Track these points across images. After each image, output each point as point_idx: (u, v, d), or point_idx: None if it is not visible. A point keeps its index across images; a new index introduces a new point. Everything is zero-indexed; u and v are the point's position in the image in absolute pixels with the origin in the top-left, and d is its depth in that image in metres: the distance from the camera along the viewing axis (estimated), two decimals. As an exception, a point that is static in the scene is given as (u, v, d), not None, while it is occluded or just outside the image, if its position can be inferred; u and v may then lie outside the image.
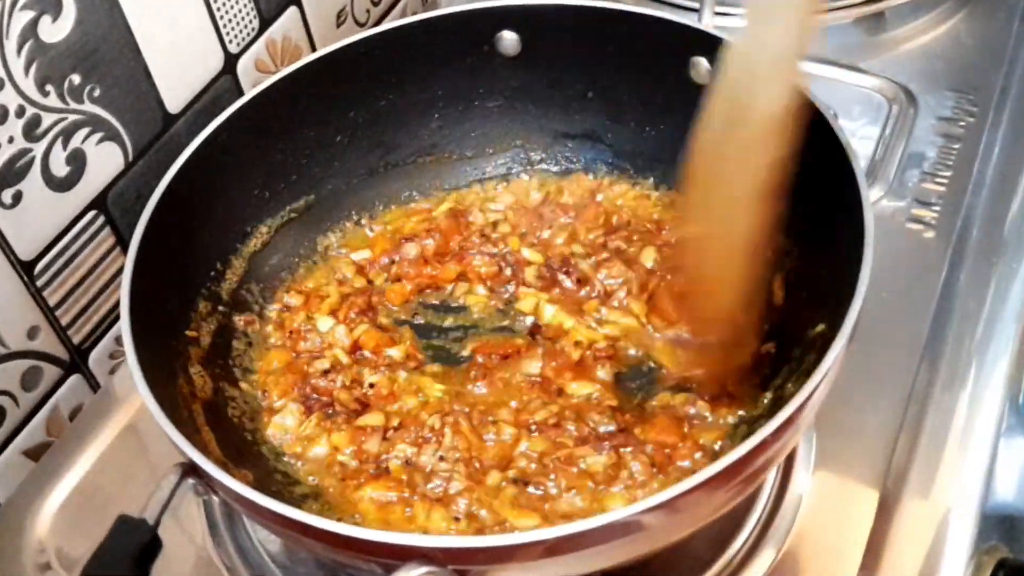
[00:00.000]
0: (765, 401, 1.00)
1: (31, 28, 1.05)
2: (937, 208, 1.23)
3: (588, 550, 0.77)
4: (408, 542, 0.77)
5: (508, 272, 1.17)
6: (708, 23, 1.13)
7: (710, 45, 1.05)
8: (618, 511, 0.75)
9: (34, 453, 1.19)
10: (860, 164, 0.93)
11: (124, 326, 0.92)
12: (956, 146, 1.30)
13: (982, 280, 1.15)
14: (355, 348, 1.12)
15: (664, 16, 1.11)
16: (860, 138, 1.30)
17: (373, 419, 1.04)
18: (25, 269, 1.12)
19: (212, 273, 1.14)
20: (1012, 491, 1.07)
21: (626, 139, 1.21)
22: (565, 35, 1.17)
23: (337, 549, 0.81)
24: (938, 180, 1.25)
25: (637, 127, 1.20)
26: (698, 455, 0.98)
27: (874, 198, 1.24)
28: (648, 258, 1.13)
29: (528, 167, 1.26)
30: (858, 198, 0.91)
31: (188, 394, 1.01)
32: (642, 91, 1.16)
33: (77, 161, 1.15)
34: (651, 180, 1.21)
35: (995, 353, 1.10)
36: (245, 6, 1.33)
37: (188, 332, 1.06)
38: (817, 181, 0.95)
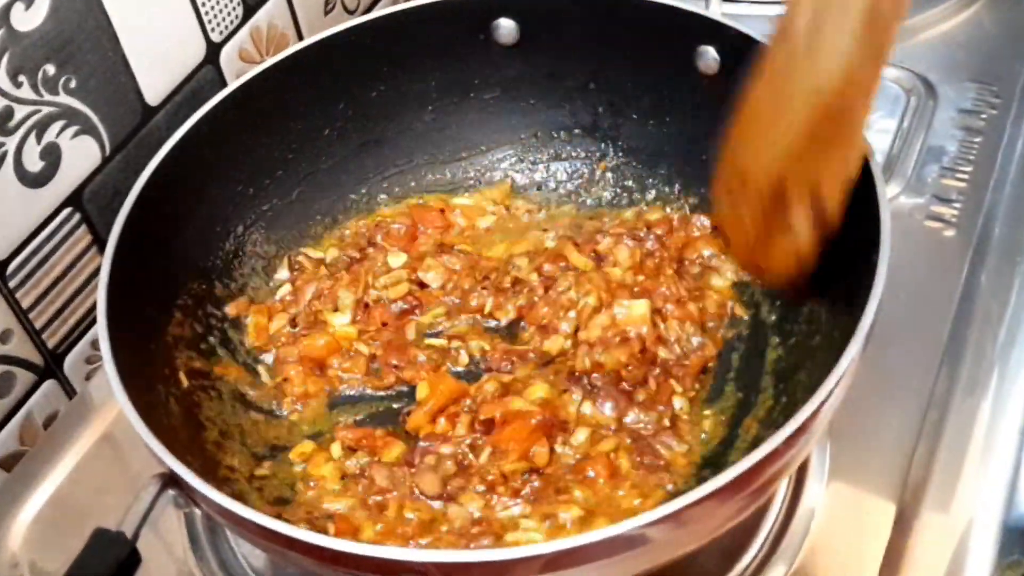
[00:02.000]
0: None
1: (3, 16, 1.06)
2: (957, 205, 1.23)
3: (589, 565, 0.77)
4: (400, 556, 0.77)
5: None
6: (716, 11, 1.14)
7: (718, 33, 1.06)
8: (620, 524, 0.75)
9: (6, 463, 1.19)
10: (876, 159, 0.93)
11: (101, 329, 0.92)
12: (977, 139, 1.30)
13: (1005, 281, 1.16)
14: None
15: (670, 3, 1.11)
16: (876, 131, 1.30)
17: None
18: (-4, 269, 1.14)
19: (194, 274, 1.14)
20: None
21: (630, 133, 1.22)
22: (565, 23, 1.18)
23: (325, 564, 0.81)
24: (958, 175, 1.26)
25: (641, 120, 1.20)
26: None
27: (891, 195, 1.24)
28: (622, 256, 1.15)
29: (525, 163, 1.27)
30: (874, 195, 0.91)
31: (169, 401, 1.01)
32: (646, 82, 1.17)
33: (51, 156, 1.16)
34: (655, 178, 1.22)
35: (1018, 357, 1.10)
36: (229, -8, 1.35)
37: (169, 336, 1.06)
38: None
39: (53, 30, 1.12)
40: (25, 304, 1.18)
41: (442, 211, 1.24)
